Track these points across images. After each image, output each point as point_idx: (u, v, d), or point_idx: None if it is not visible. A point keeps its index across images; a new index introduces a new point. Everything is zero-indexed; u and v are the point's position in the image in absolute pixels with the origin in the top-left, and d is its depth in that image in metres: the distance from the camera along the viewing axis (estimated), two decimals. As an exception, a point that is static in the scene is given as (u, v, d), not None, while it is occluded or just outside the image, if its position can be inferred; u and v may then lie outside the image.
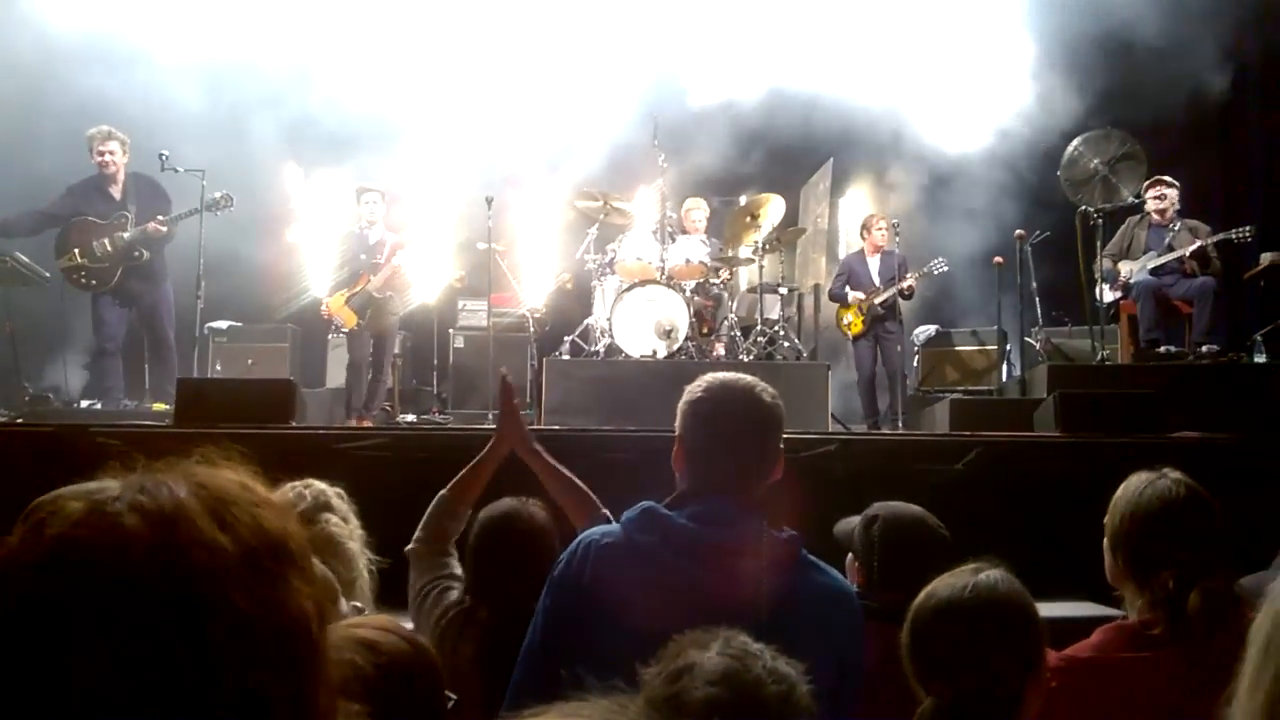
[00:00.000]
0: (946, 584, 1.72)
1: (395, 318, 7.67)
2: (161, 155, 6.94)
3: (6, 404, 7.05)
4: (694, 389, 2.01)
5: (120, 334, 7.11)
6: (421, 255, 7.76)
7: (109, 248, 6.94)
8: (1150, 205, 7.30)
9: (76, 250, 6.94)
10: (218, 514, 0.76)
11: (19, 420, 6.38)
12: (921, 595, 1.75)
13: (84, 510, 0.75)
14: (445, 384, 8.50)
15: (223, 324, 8.24)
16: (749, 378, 2.03)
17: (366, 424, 6.88)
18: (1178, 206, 7.31)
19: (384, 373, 7.59)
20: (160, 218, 6.98)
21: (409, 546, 2.64)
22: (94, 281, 6.98)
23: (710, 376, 2.04)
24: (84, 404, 7.22)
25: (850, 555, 2.46)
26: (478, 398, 7.92)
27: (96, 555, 0.72)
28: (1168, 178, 7.32)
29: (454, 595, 2.53)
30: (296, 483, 2.45)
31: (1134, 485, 2.11)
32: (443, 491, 2.71)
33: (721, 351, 7.56)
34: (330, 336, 8.51)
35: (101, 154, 6.99)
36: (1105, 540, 2.15)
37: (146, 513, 0.74)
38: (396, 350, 8.48)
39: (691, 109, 8.89)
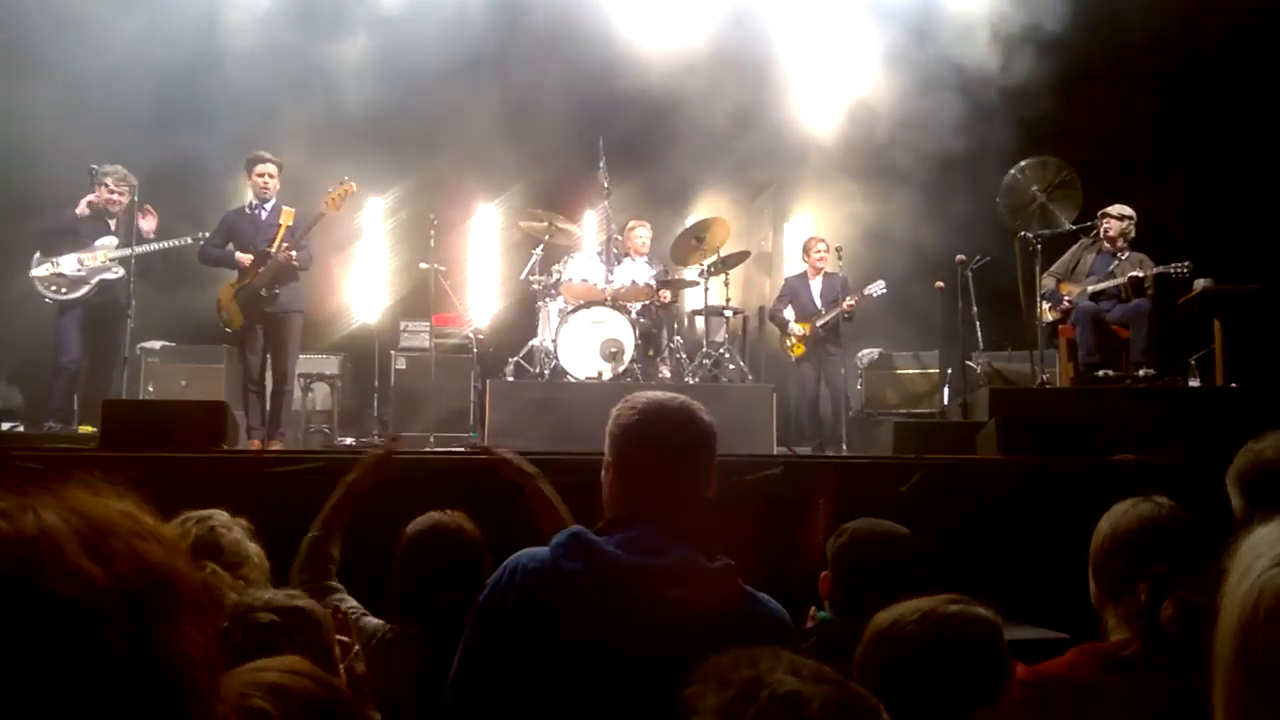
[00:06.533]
0: (904, 608, 1.68)
1: (295, 321, 6.78)
2: (92, 169, 6.84)
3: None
4: (624, 409, 1.90)
5: (79, 355, 6.92)
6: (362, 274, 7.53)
7: (88, 262, 6.91)
8: (1103, 230, 7.37)
9: (56, 258, 6.89)
10: (90, 543, 0.66)
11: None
12: (879, 615, 1.71)
13: None
14: (386, 406, 8.34)
15: (155, 344, 7.98)
16: (682, 397, 1.92)
17: (277, 446, 6.56)
18: (1131, 236, 7.36)
19: (288, 383, 6.81)
20: (149, 240, 6.97)
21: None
22: (64, 290, 6.88)
23: (641, 396, 1.92)
24: (5, 426, 6.97)
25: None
26: (419, 420, 7.77)
27: None
28: (1125, 207, 7.35)
29: (372, 621, 2.46)
30: (194, 513, 2.26)
31: (1118, 509, 2.09)
32: (312, 533, 2.66)
33: (667, 374, 7.54)
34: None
35: (113, 193, 6.94)
36: (1089, 566, 2.13)
37: (2, 535, 0.64)
38: (336, 370, 8.32)
39: (637, 130, 8.88)
